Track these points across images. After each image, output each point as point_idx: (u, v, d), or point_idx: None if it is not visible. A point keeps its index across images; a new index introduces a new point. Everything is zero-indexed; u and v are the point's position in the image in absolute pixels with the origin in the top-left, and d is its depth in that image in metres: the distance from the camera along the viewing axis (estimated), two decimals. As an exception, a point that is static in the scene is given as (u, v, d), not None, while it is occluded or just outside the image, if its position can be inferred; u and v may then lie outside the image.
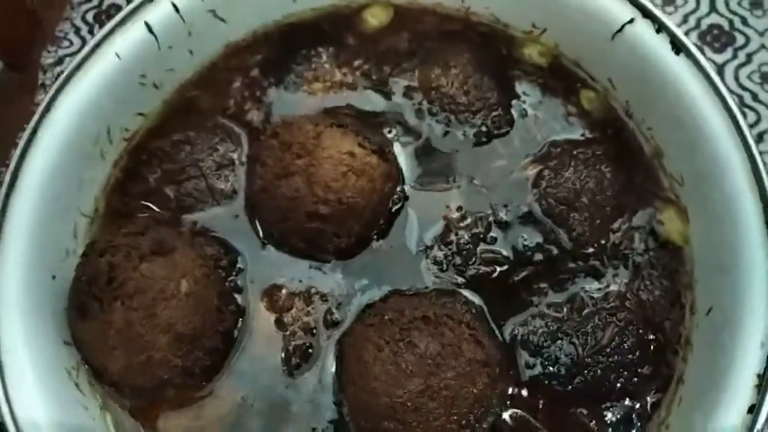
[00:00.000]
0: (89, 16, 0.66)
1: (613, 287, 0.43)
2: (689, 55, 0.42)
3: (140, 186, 0.48)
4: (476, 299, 0.44)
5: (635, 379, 0.41)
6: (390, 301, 0.42)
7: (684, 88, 0.43)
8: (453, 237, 0.45)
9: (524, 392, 0.42)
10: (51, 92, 0.44)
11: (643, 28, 0.44)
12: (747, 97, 0.57)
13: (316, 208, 0.42)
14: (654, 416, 0.41)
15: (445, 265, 0.44)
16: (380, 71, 0.49)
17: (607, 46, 0.45)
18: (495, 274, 0.44)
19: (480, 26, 0.50)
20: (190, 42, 0.49)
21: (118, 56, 0.46)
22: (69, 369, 0.42)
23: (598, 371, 0.42)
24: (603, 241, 0.45)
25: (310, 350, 0.44)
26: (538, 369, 0.42)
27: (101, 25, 0.62)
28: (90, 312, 0.41)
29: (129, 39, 0.46)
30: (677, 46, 0.42)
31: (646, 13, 0.43)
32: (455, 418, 0.39)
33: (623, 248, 0.44)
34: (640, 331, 0.43)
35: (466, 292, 0.44)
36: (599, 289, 0.43)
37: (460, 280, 0.44)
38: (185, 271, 0.42)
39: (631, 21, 0.44)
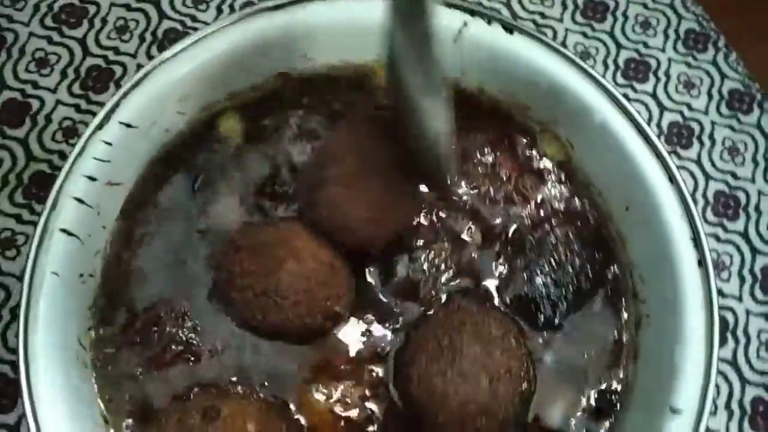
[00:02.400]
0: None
1: (535, 217, 0.52)
2: (520, 30, 0.50)
3: (133, 387, 0.48)
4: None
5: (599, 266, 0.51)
6: (416, 341, 0.47)
7: (526, 56, 0.51)
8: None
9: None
10: (21, 341, 0.42)
11: (477, 26, 0.51)
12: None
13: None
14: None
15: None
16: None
17: (453, 48, 0.52)
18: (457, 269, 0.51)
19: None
20: (100, 219, 0.49)
21: (57, 274, 0.44)
22: None
23: (574, 278, 0.51)
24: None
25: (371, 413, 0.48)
26: (539, 309, 0.50)
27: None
28: None
29: (54, 252, 0.45)
30: (508, 29, 0.50)
31: (474, 13, 0.50)
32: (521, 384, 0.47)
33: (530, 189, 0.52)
34: (581, 232, 0.52)
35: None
36: (528, 224, 0.52)
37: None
38: (243, 417, 0.44)
39: (465, 24, 0.51)
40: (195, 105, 0.52)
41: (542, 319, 0.51)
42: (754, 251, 0.63)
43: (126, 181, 0.50)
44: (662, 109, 0.67)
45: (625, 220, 0.52)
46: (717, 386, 0.61)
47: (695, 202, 0.65)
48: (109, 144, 0.47)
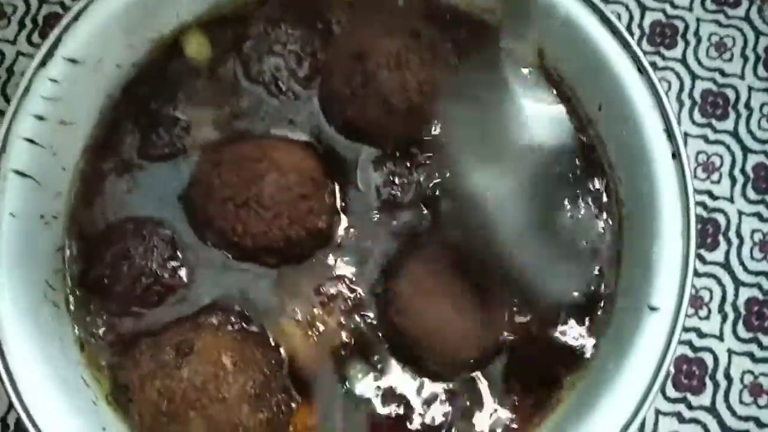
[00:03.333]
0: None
1: None
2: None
3: (105, 314, 0.48)
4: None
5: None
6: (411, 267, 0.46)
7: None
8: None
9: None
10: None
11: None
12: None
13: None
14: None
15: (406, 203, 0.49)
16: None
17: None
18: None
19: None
20: (58, 161, 0.48)
21: (13, 215, 0.43)
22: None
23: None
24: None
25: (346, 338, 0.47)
26: None
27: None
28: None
29: (11, 194, 0.44)
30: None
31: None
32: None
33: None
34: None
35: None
36: None
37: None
38: (218, 350, 0.44)
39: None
40: (145, 38, 0.49)
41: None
42: (745, 150, 0.60)
43: (80, 121, 0.48)
44: (643, 9, 0.63)
45: (601, 121, 0.49)
46: (710, 290, 0.59)
47: (681, 103, 0.62)
48: (56, 81, 0.45)
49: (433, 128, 0.50)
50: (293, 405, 0.48)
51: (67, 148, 0.48)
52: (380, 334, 0.47)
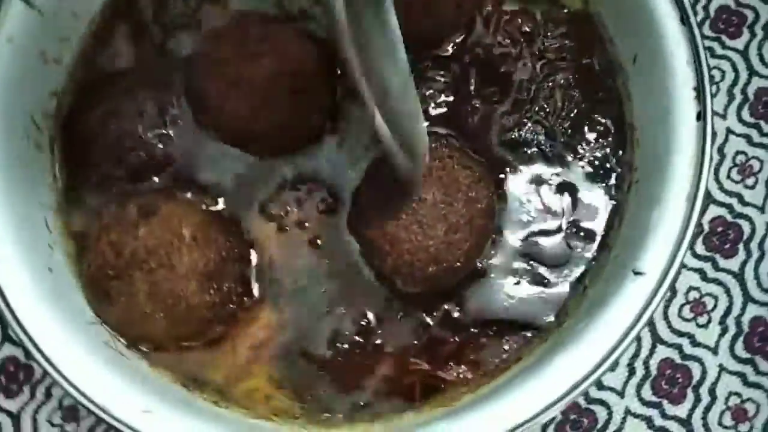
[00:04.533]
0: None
1: (539, 62, 0.47)
2: None
3: (83, 171, 0.47)
4: (444, 131, 0.46)
5: (597, 122, 0.47)
6: (380, 174, 0.44)
7: None
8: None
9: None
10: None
11: None
12: None
13: None
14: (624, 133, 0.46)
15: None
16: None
17: None
18: (450, 104, 0.46)
19: None
20: (70, 3, 0.46)
21: (11, 40, 0.42)
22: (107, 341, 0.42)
23: (569, 130, 0.47)
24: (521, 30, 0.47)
25: (318, 241, 0.45)
26: (523, 156, 0.45)
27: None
28: (114, 293, 0.42)
29: (13, 19, 0.43)
30: None
31: None
32: (480, 235, 0.43)
33: (530, 28, 0.47)
34: (580, 80, 0.48)
35: (436, 128, 0.46)
36: (529, 67, 0.48)
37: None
38: (180, 220, 0.43)
39: None
40: None
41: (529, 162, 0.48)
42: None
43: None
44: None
45: (632, 74, 0.46)
46: (715, 298, 0.55)
47: (731, 96, 0.58)
48: None
49: (450, 47, 0.47)
50: (246, 299, 0.46)
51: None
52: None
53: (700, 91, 0.41)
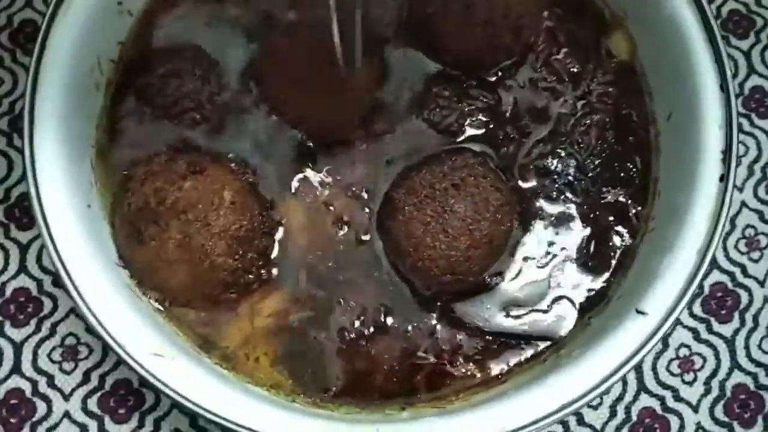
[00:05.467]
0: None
1: (580, 101, 0.51)
2: None
3: (136, 117, 0.50)
4: (479, 148, 0.48)
5: (625, 167, 0.50)
6: (416, 178, 0.47)
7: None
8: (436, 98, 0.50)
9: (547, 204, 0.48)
10: (42, 29, 0.44)
11: None
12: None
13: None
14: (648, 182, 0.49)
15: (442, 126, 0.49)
16: None
17: None
18: (487, 124, 0.49)
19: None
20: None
21: (95, -14, 0.45)
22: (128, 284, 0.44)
23: (598, 168, 0.50)
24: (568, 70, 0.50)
25: (344, 231, 0.47)
26: (552, 186, 0.49)
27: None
28: (147, 235, 0.44)
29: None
30: None
31: None
32: (495, 254, 0.46)
33: (578, 70, 0.50)
34: (617, 124, 0.51)
35: (471, 145, 0.49)
36: (569, 103, 0.51)
37: (460, 137, 0.49)
38: (223, 183, 0.46)
39: None
40: None
41: (557, 194, 0.51)
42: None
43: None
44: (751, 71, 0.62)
45: (664, 130, 0.49)
46: (704, 358, 0.58)
47: (751, 171, 0.61)
48: None
49: (499, 71, 0.50)
50: (264, 273, 0.48)
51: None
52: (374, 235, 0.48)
53: (727, 154, 0.43)
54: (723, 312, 0.58)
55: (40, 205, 0.42)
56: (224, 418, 0.40)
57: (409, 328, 0.47)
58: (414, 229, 0.45)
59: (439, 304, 0.47)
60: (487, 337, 0.47)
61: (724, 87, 0.44)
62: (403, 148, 0.50)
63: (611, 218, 0.50)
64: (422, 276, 0.46)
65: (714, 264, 0.60)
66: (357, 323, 0.48)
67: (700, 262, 0.42)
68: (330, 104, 0.48)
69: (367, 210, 0.49)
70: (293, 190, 0.50)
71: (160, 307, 0.46)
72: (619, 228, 0.50)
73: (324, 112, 0.48)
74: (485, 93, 0.51)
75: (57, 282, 0.57)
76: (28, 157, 0.43)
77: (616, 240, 0.49)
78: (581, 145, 0.50)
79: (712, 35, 0.46)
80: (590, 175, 0.51)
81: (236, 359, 0.46)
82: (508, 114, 0.50)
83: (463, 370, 0.46)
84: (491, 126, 0.50)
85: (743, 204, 0.61)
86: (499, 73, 0.51)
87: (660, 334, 0.41)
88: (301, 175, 0.50)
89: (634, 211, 0.50)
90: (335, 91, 0.47)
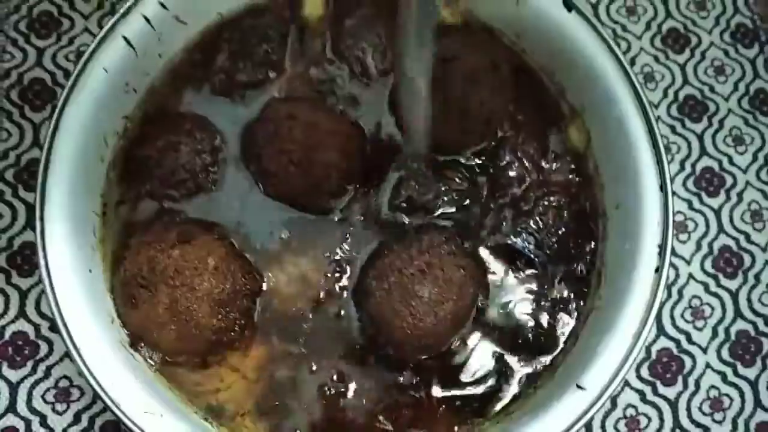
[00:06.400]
0: (22, 26, 0.68)
1: (540, 186, 0.57)
2: (578, 10, 0.53)
3: (134, 188, 0.55)
4: (448, 224, 0.55)
5: (578, 242, 0.56)
6: (386, 261, 0.52)
7: (575, 35, 0.54)
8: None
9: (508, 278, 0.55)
10: (56, 113, 0.49)
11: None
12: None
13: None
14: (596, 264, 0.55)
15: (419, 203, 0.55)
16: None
17: (514, 10, 0.55)
18: (459, 202, 0.55)
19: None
20: (160, 46, 0.55)
21: (106, 70, 0.51)
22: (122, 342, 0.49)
23: (555, 245, 0.56)
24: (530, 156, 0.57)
25: (321, 300, 0.53)
26: (513, 261, 0.55)
27: (37, 34, 0.65)
28: (140, 299, 0.49)
29: (112, 53, 0.52)
30: (568, 5, 0.53)
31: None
32: (459, 326, 0.52)
33: (538, 156, 0.57)
34: (572, 208, 0.57)
35: (440, 221, 0.55)
36: (532, 185, 0.57)
37: (435, 213, 0.55)
38: (209, 250, 0.51)
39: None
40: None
41: (516, 268, 0.56)
42: (738, 314, 0.65)
43: (191, 24, 0.56)
44: (702, 153, 0.68)
45: (612, 218, 0.55)
46: (649, 418, 0.63)
47: (699, 247, 0.67)
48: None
49: (471, 154, 0.56)
50: (246, 332, 0.53)
51: (170, 41, 0.56)
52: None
53: (662, 249, 0.50)
54: (668, 376, 0.64)
55: (48, 269, 0.47)
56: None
57: (375, 390, 0.52)
58: (384, 312, 0.51)
59: (406, 370, 0.52)
60: (446, 400, 0.52)
61: (663, 188, 0.51)
62: (375, 230, 0.55)
63: (564, 295, 0.56)
64: (395, 348, 0.51)
65: (661, 331, 0.66)
66: (327, 386, 0.53)
67: (634, 343, 0.47)
68: (317, 178, 0.53)
69: (343, 282, 0.54)
70: (276, 257, 0.55)
71: (152, 364, 0.51)
72: (569, 306, 0.55)
73: (309, 186, 0.53)
74: (458, 174, 0.56)
75: (53, 327, 0.62)
76: (38, 225, 0.48)
77: (565, 317, 0.55)
78: (540, 225, 0.56)
79: (654, 139, 0.52)
80: (548, 252, 0.56)
81: (223, 414, 0.51)
82: (478, 194, 0.56)
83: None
84: (463, 204, 0.56)
85: (690, 276, 0.67)
86: (471, 157, 0.57)
87: (596, 407, 0.46)
88: (285, 243, 0.55)
89: (584, 290, 0.55)
90: (324, 164, 0.52)
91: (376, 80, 0.57)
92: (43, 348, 0.60)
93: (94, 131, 0.51)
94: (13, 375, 0.60)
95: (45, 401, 0.59)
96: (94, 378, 0.45)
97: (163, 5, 0.53)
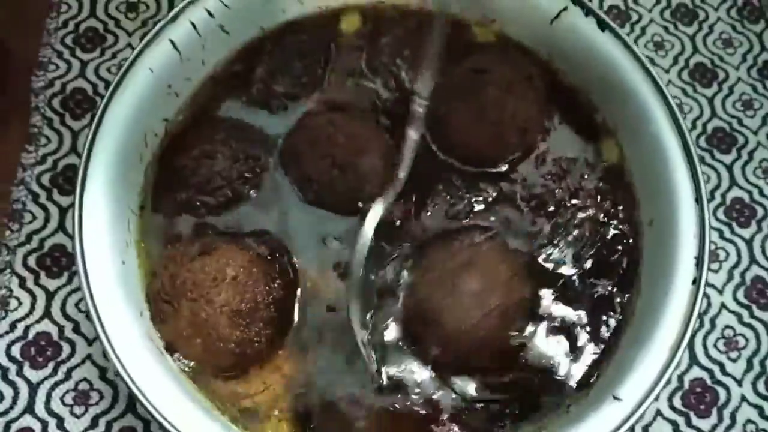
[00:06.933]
0: (68, 40, 0.70)
1: (573, 197, 0.57)
2: (612, 30, 0.55)
3: (167, 194, 0.56)
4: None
5: (614, 261, 0.55)
6: (431, 257, 0.52)
7: (609, 55, 0.55)
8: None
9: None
10: (99, 107, 0.50)
11: (574, 13, 0.56)
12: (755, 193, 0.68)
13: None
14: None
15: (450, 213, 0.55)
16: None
17: (548, 29, 0.57)
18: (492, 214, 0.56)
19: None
20: (203, 53, 0.57)
21: (152, 70, 0.52)
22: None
23: (591, 259, 0.56)
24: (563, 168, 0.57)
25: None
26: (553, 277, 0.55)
27: (82, 48, 0.68)
28: (167, 315, 0.50)
29: (158, 54, 0.54)
30: (602, 25, 0.55)
31: (575, 2, 0.55)
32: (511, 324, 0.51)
33: (572, 168, 0.57)
34: (607, 221, 0.56)
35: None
36: (566, 197, 0.57)
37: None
38: (228, 260, 0.51)
39: (565, 8, 0.56)
40: (314, 4, 0.60)
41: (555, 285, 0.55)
42: None
43: (234, 34, 0.58)
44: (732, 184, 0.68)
45: (647, 233, 0.55)
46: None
47: (731, 277, 0.66)
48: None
49: (505, 166, 0.57)
50: (275, 341, 0.52)
51: (214, 49, 0.58)
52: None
53: (700, 260, 0.49)
54: (702, 407, 0.62)
55: (82, 248, 0.47)
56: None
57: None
58: (433, 305, 0.50)
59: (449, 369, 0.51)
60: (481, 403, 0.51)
61: (698, 200, 0.51)
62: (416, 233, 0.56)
63: (600, 309, 0.54)
64: (441, 346, 0.50)
65: (694, 360, 0.64)
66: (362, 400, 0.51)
67: (672, 357, 0.46)
68: (359, 182, 0.54)
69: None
70: (316, 263, 0.54)
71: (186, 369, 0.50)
72: (607, 319, 0.54)
73: (350, 190, 0.54)
74: (491, 185, 0.56)
75: (77, 329, 0.62)
76: (77, 215, 0.48)
77: (603, 331, 0.54)
78: (577, 237, 0.56)
79: (689, 154, 0.52)
80: (585, 266, 0.56)
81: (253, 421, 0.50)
82: (511, 205, 0.56)
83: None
84: (496, 215, 0.56)
85: (723, 305, 0.66)
86: (504, 168, 0.57)
87: (634, 419, 0.45)
88: (323, 249, 0.55)
89: (619, 303, 0.54)
90: (366, 169, 0.53)
91: (409, 95, 0.58)
92: (66, 350, 0.60)
93: (136, 128, 0.53)
94: (34, 375, 0.59)
95: (63, 403, 0.59)
96: (124, 368, 0.44)
97: (210, 13, 0.55)
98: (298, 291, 0.53)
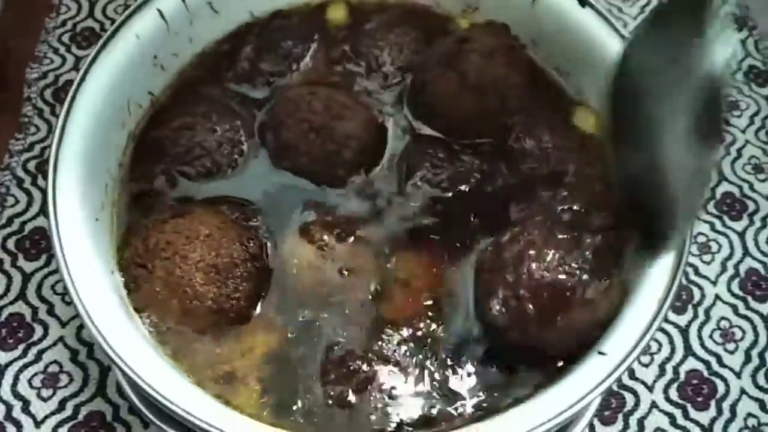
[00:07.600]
0: (65, 38, 0.72)
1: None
2: (592, 6, 0.56)
3: (150, 165, 0.55)
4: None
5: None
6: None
7: (590, 29, 0.56)
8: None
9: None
10: (84, 66, 0.51)
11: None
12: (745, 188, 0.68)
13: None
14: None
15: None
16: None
17: (530, 11, 0.58)
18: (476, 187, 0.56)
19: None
20: (191, 30, 0.58)
21: (138, 36, 0.53)
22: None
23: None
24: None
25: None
26: None
27: (78, 46, 0.69)
28: (140, 279, 0.49)
29: (145, 22, 0.55)
30: (582, 2, 0.56)
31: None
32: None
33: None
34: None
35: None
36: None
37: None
38: (202, 221, 0.51)
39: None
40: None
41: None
42: None
43: (223, 16, 0.59)
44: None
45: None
46: None
47: (725, 269, 0.64)
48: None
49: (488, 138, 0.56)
50: (256, 305, 0.51)
51: (202, 28, 0.59)
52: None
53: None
54: (699, 399, 0.60)
55: (54, 201, 0.46)
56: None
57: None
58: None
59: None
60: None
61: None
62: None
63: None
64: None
65: (689, 351, 0.62)
66: (337, 373, 0.49)
67: (659, 310, 0.45)
68: (337, 146, 0.53)
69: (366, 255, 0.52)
70: (298, 229, 0.53)
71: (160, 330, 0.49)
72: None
73: (328, 155, 0.53)
74: (474, 156, 0.56)
75: (51, 311, 0.60)
76: (52, 162, 0.48)
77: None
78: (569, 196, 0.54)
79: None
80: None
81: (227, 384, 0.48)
82: (495, 175, 0.56)
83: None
84: (480, 185, 0.55)
85: (717, 297, 0.64)
86: (487, 139, 0.57)
87: (619, 372, 0.43)
88: (302, 218, 0.54)
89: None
90: (344, 134, 0.53)
91: (392, 76, 0.59)
92: (38, 331, 0.59)
93: (119, 91, 0.53)
94: (3, 357, 0.58)
95: (31, 386, 0.57)
96: (96, 328, 0.43)
97: (201, -7, 0.57)
98: (275, 256, 0.52)
